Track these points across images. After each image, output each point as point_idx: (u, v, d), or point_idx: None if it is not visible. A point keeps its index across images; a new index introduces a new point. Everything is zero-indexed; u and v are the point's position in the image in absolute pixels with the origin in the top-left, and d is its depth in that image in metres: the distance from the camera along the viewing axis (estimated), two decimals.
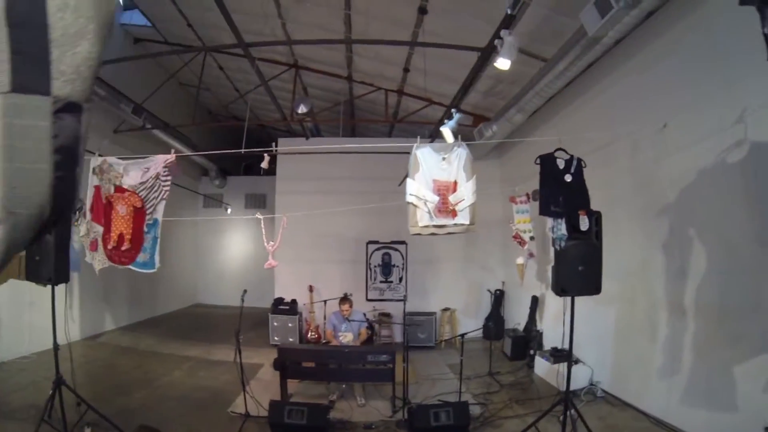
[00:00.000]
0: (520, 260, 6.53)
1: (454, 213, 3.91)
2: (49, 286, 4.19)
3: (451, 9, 5.76)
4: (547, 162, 4.25)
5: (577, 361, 6.00)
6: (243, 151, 6.21)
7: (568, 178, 4.19)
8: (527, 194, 6.52)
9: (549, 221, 4.12)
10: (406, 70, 7.56)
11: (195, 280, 13.18)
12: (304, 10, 6.35)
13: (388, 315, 8.72)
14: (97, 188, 4.64)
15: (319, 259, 9.28)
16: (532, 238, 6.48)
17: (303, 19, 6.73)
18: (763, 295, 3.64)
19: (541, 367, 6.50)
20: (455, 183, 3.98)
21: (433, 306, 9.03)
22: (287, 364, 5.35)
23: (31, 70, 0.88)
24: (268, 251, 5.53)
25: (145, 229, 4.54)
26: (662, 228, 4.86)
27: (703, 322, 4.29)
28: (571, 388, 5.57)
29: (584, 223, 4.06)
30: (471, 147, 8.49)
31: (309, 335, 8.27)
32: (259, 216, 5.66)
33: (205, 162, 11.92)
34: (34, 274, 4.31)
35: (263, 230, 5.66)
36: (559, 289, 4.10)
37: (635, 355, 5.26)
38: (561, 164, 4.23)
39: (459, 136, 5.84)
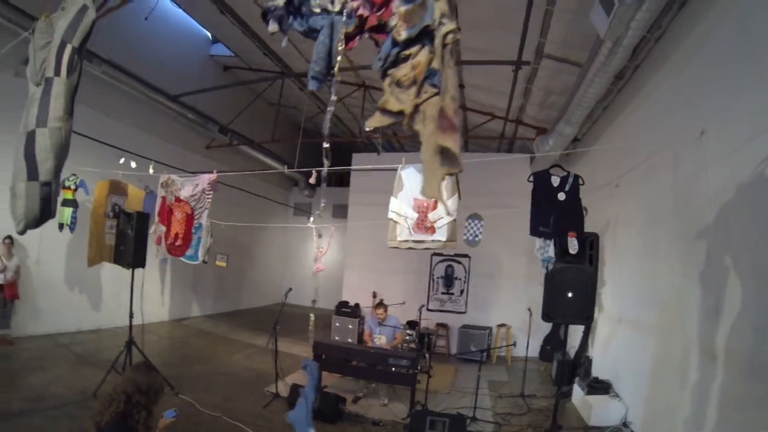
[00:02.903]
0: None
1: (432, 230, 4.06)
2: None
3: (481, 23, 5.80)
4: (540, 179, 4.15)
5: (614, 395, 5.59)
6: (293, 170, 6.88)
7: (561, 196, 4.06)
8: None
9: (537, 242, 4.04)
10: (461, 86, 7.66)
11: (281, 280, 14.48)
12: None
13: (445, 326, 8.83)
14: (164, 198, 5.75)
15: (385, 269, 9.76)
16: None
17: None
18: None
19: (577, 396, 6.13)
20: (435, 201, 4.11)
21: (492, 321, 8.90)
22: (322, 357, 5.95)
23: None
24: (316, 257, 6.15)
25: (193, 231, 5.52)
26: (699, 254, 4.20)
27: (732, 372, 3.66)
28: (602, 424, 5.31)
29: (573, 246, 3.90)
30: (534, 162, 8.37)
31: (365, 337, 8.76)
32: (311, 225, 6.31)
33: (294, 173, 12.99)
34: (119, 259, 5.82)
35: (314, 238, 6.30)
36: (544, 315, 3.98)
37: (665, 399, 4.64)
38: (555, 182, 4.11)
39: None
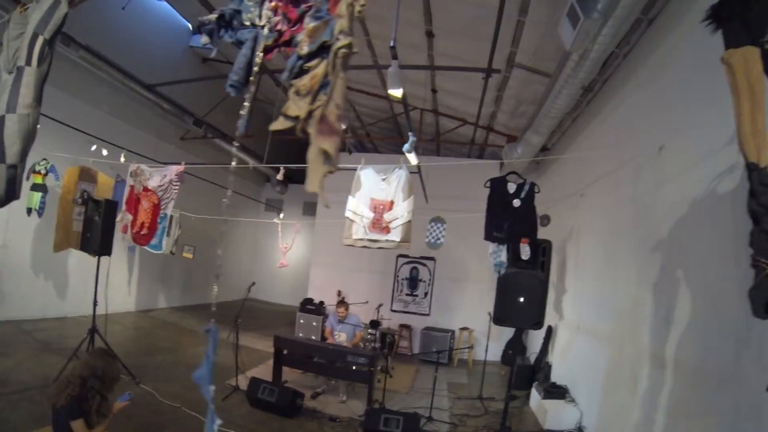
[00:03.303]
0: None
1: (387, 229, 4.13)
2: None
3: (453, 31, 5.91)
4: (496, 185, 4.24)
5: (569, 400, 5.72)
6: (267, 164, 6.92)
7: (516, 203, 4.13)
8: None
9: (490, 246, 4.13)
10: (434, 90, 7.77)
11: (251, 276, 14.14)
12: None
13: (408, 327, 8.92)
14: (132, 187, 5.74)
15: (351, 267, 9.79)
16: None
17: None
18: (742, 364, 3.05)
19: (534, 400, 6.23)
20: (392, 202, 4.20)
21: (455, 324, 9.01)
22: (283, 353, 5.99)
23: None
24: (281, 252, 6.24)
25: (158, 220, 5.50)
26: (654, 266, 4.33)
27: (680, 381, 3.77)
28: (557, 428, 5.43)
29: (525, 252, 3.99)
30: (503, 169, 8.52)
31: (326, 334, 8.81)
32: (276, 221, 6.37)
33: (266, 170, 12.81)
34: (85, 246, 5.78)
35: (280, 234, 6.38)
36: (495, 318, 4.08)
37: (617, 405, 4.75)
38: (512, 188, 4.18)
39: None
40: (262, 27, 1.86)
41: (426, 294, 9.49)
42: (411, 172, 4.43)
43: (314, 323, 8.83)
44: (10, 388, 4.53)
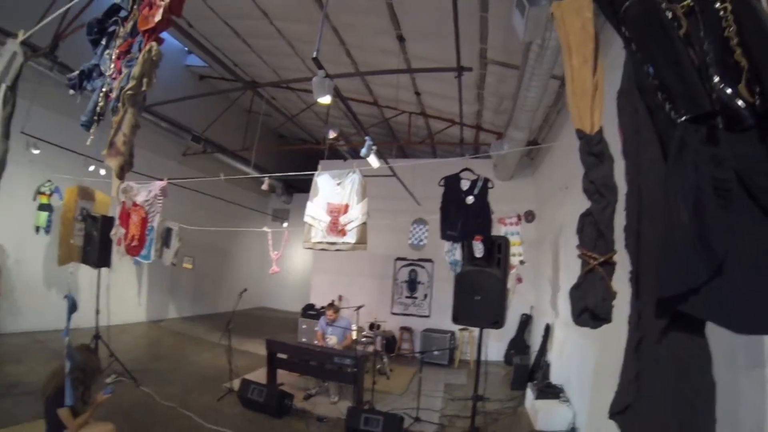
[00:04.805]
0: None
1: (343, 232, 4.20)
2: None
3: (421, 33, 5.94)
4: (450, 183, 4.22)
5: (564, 400, 5.58)
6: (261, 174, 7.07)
7: (469, 200, 4.10)
8: (518, 215, 6.27)
9: (446, 245, 4.10)
10: (417, 93, 7.77)
11: (260, 285, 14.53)
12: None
13: (409, 329, 8.92)
14: (123, 203, 6.03)
15: (351, 272, 9.89)
16: (522, 262, 6.19)
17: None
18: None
19: (529, 400, 6.11)
20: (346, 206, 4.26)
21: (455, 325, 8.92)
22: (275, 355, 6.20)
23: None
24: (272, 259, 6.35)
25: (146, 233, 5.75)
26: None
27: None
28: (549, 429, 5.31)
29: (478, 250, 3.97)
30: (497, 169, 8.41)
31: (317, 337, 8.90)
32: (266, 229, 6.50)
33: (271, 180, 12.87)
34: (86, 259, 6.32)
35: (270, 242, 6.49)
36: (453, 317, 4.06)
37: (605, 405, 4.64)
38: (465, 185, 4.15)
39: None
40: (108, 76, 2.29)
41: (425, 296, 9.48)
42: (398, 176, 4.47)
43: (315, 328, 8.96)
44: (21, 390, 4.98)
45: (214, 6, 6.61)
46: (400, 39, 6.11)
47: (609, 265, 1.63)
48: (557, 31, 1.83)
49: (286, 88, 8.97)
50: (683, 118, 1.22)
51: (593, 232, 1.62)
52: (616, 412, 1.52)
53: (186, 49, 10.10)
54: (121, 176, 2.17)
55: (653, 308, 1.35)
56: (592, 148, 1.66)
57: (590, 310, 1.62)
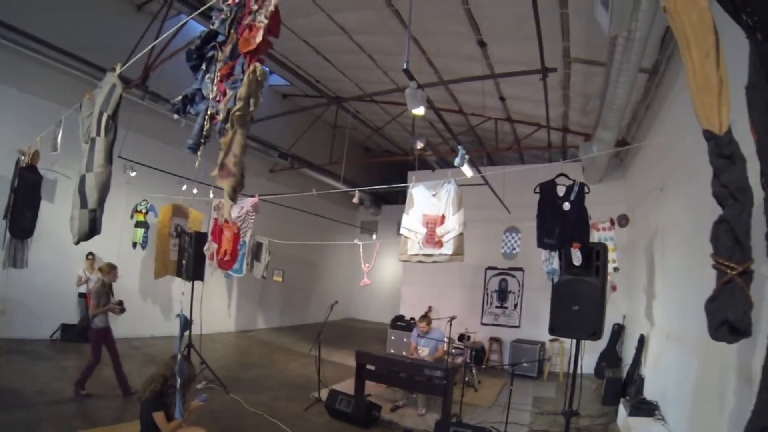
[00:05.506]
0: None
1: (440, 243, 4.20)
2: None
3: (502, 36, 5.83)
4: (545, 189, 4.08)
5: (658, 418, 5.17)
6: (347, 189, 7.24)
7: (566, 206, 3.95)
8: (611, 219, 5.91)
9: (543, 253, 3.96)
10: (502, 98, 7.62)
11: (349, 296, 14.85)
12: (396, 60, 7.12)
13: (498, 340, 8.69)
14: (216, 219, 6.46)
15: (441, 283, 9.83)
16: (616, 269, 5.82)
17: (398, 67, 7.55)
18: None
19: (621, 417, 5.69)
20: (443, 217, 4.27)
21: (545, 335, 8.53)
22: (363, 366, 6.29)
23: None
24: (363, 272, 6.46)
25: (239, 247, 6.10)
26: None
27: None
28: None
29: (576, 258, 3.80)
30: (586, 172, 8.00)
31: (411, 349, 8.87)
32: (358, 242, 6.63)
33: (360, 193, 13.08)
34: (180, 273, 6.85)
35: (361, 254, 6.61)
36: (549, 329, 3.91)
37: (705, 426, 4.13)
38: (561, 191, 4.01)
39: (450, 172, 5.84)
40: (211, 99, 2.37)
41: (515, 305, 9.21)
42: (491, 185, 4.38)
43: (405, 339, 9.03)
44: (117, 392, 5.53)
45: (291, 26, 6.92)
46: (481, 44, 6.08)
47: (747, 275, 1.52)
48: (671, 25, 1.69)
49: (370, 101, 9.12)
50: None
51: (729, 240, 1.51)
52: None
53: (267, 69, 10.61)
54: (233, 197, 2.17)
55: None
56: (723, 150, 1.52)
57: (730, 323, 1.50)
